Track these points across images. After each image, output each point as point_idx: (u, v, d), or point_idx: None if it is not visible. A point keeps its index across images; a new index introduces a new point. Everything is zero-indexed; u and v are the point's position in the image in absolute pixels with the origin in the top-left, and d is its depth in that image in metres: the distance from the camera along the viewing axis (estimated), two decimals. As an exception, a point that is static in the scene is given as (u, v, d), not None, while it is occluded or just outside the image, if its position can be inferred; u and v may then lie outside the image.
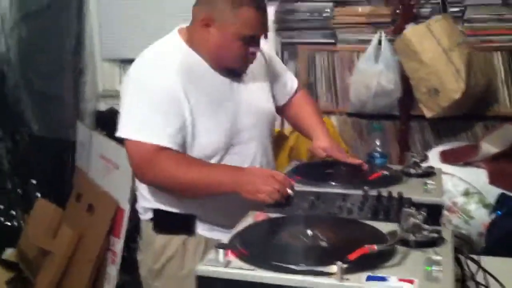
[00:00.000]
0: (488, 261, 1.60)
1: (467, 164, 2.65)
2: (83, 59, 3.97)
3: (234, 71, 1.85)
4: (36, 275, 3.12)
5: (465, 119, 3.11)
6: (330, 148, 1.96)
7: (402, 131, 3.18)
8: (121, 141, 3.20)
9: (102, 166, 3.12)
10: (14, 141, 3.95)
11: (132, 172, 2.74)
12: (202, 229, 1.87)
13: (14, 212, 3.78)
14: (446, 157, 2.71)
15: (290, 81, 2.14)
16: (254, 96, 1.92)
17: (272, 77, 2.03)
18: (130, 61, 4.16)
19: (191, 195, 1.75)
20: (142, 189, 1.88)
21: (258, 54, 1.87)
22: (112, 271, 2.82)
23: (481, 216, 2.44)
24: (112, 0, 3.96)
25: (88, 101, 4.00)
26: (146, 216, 1.91)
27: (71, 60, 3.90)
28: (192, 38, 1.82)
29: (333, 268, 1.13)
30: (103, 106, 4.10)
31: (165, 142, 1.69)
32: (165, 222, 1.87)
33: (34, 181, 3.82)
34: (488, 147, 2.69)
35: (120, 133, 1.75)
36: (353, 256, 1.15)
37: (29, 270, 3.29)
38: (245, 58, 1.80)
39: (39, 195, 3.77)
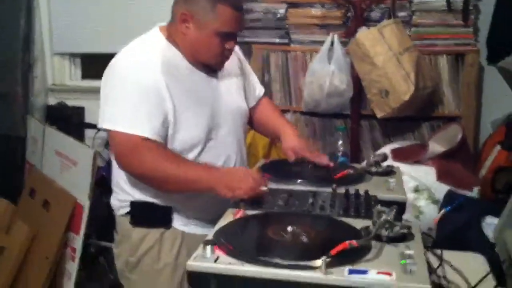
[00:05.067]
0: (444, 255, 1.71)
1: (416, 162, 2.79)
2: (33, 53, 3.91)
3: (211, 67, 1.92)
4: (-11, 272, 3.07)
5: (412, 120, 3.27)
6: (300, 148, 2.04)
7: (353, 129, 3.31)
8: (77, 137, 3.22)
9: (58, 162, 3.09)
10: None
11: (92, 168, 2.80)
12: (178, 223, 1.92)
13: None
14: (397, 155, 2.84)
15: (258, 86, 2.24)
16: (231, 94, 2.01)
17: (244, 79, 2.11)
18: (80, 55, 4.18)
19: (168, 188, 1.81)
20: (122, 183, 1.92)
21: (233, 54, 1.95)
22: (72, 268, 2.81)
23: (430, 212, 2.58)
24: (62, -7, 3.93)
25: (38, 96, 3.95)
26: (122, 211, 1.95)
27: (20, 54, 3.84)
28: (171, 35, 1.88)
29: (317, 263, 1.22)
30: (52, 101, 4.06)
31: (150, 134, 1.75)
32: (142, 215, 1.92)
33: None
34: (436, 146, 2.85)
35: (104, 124, 1.80)
36: (334, 251, 1.24)
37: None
38: (222, 54, 1.88)
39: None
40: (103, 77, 1.88)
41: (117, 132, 1.77)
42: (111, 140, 1.84)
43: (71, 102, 4.00)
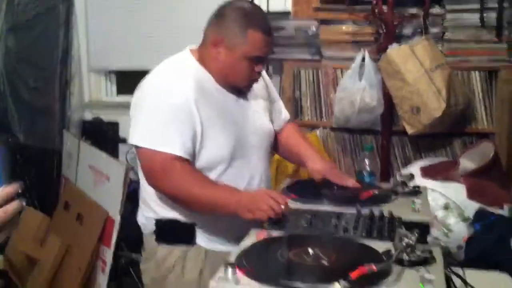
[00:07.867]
0: (469, 274, 1.68)
1: (446, 179, 2.76)
2: (70, 70, 4.02)
3: (240, 89, 1.97)
4: (25, 283, 3.15)
5: (444, 136, 3.24)
6: (325, 170, 2.05)
7: (384, 146, 3.29)
8: (111, 152, 3.29)
9: (91, 176, 3.16)
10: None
11: (124, 183, 2.86)
12: (201, 240, 1.96)
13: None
14: (427, 172, 2.82)
15: (284, 111, 2.27)
16: (258, 115, 2.05)
17: (270, 102, 2.15)
18: (115, 72, 4.27)
19: (194, 208, 1.86)
20: (148, 199, 1.97)
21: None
22: (102, 280, 2.87)
23: (460, 230, 2.55)
24: (99, 12, 4.03)
25: (74, 111, 4.05)
26: (148, 229, 2.01)
27: (58, 71, 3.95)
28: (202, 57, 1.94)
29: (336, 286, 1.22)
30: (88, 116, 4.16)
31: (179, 152, 1.80)
32: (166, 233, 1.96)
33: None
34: (467, 163, 2.81)
35: (134, 141, 1.85)
36: (354, 275, 1.24)
37: (18, 278, 3.31)
38: (251, 77, 1.93)
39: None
40: (133, 98, 1.94)
41: (146, 150, 1.82)
42: (140, 157, 1.88)
43: (107, 117, 4.08)
